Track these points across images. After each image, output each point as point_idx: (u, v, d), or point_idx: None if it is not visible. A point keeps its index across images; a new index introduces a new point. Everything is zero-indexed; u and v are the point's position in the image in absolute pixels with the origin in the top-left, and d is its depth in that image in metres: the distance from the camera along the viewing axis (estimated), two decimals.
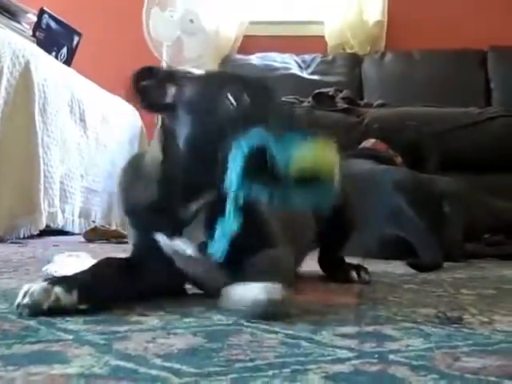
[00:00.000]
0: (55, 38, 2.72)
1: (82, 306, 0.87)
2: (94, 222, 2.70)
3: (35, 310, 0.84)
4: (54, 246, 2.09)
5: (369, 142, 2.58)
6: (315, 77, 3.77)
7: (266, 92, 0.94)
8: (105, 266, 0.98)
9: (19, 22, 2.48)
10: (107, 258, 1.01)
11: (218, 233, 0.87)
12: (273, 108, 0.91)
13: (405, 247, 1.85)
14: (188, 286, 1.10)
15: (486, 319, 0.92)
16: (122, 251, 1.30)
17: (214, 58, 3.93)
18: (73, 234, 2.60)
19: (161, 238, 1.00)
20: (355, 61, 3.87)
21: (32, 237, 2.25)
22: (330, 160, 0.83)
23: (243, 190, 0.84)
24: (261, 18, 4.09)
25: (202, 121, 0.94)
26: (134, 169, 1.05)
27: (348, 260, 1.45)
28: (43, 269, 1.27)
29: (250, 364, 0.65)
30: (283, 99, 3.24)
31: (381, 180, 2.11)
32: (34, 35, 2.55)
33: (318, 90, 3.24)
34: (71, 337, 0.75)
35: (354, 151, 2.50)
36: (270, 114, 0.88)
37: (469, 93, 3.63)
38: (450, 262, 1.84)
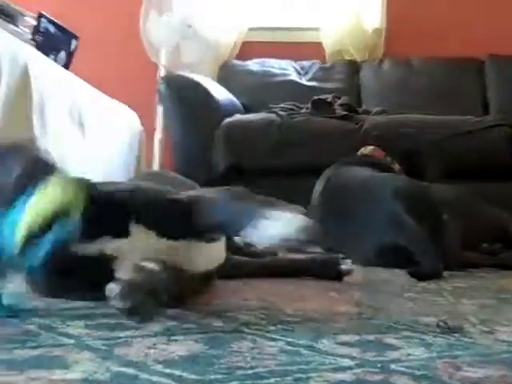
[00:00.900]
0: (54, 42, 2.72)
1: None
2: None
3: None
4: None
5: (366, 149, 2.59)
6: (313, 83, 3.77)
7: None
8: None
9: (17, 26, 2.48)
10: None
11: None
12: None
13: (404, 255, 1.85)
14: None
15: (486, 329, 0.92)
16: None
17: (213, 63, 3.92)
18: None
19: None
20: (353, 68, 3.87)
21: None
22: (60, 201, 0.86)
23: None
24: (259, 24, 4.09)
25: None
26: None
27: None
28: None
29: (251, 372, 0.64)
30: (282, 105, 3.27)
31: (380, 188, 2.11)
32: (32, 39, 2.55)
33: (316, 97, 3.25)
34: (72, 341, 0.75)
35: (352, 158, 2.51)
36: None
37: (466, 101, 3.63)
38: (448, 270, 1.84)
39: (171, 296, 0.90)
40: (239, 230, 0.94)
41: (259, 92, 3.62)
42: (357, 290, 1.34)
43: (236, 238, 1.53)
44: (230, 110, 3.22)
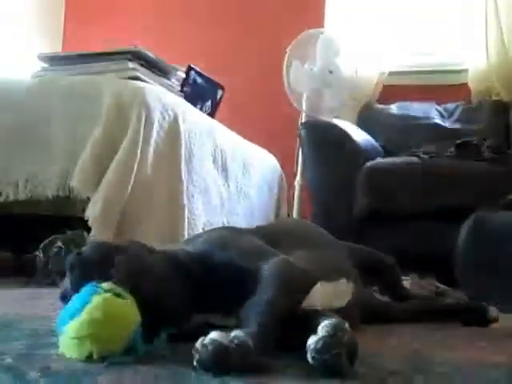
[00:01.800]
0: (201, 92, 2.85)
1: None
2: None
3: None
4: None
5: None
6: (457, 126, 3.64)
7: None
8: None
9: (170, 79, 2.63)
10: None
11: None
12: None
13: None
14: None
15: None
16: None
17: (353, 108, 3.93)
18: None
19: None
20: (501, 107, 3.70)
21: None
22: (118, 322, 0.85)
23: None
24: (400, 68, 4.06)
25: None
26: None
27: None
28: None
29: None
30: (424, 148, 3.18)
31: None
32: (181, 90, 2.69)
33: (461, 140, 3.13)
34: None
35: (503, 202, 2.36)
36: None
37: None
38: None
39: None
40: None
41: (400, 135, 3.56)
42: (507, 339, 1.25)
43: None
44: (371, 153, 3.18)
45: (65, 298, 0.92)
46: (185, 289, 0.99)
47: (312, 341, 0.82)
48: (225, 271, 1.02)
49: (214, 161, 2.53)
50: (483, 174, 2.88)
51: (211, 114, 2.87)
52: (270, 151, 3.33)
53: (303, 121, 3.63)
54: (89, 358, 0.81)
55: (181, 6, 4.51)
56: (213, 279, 1.01)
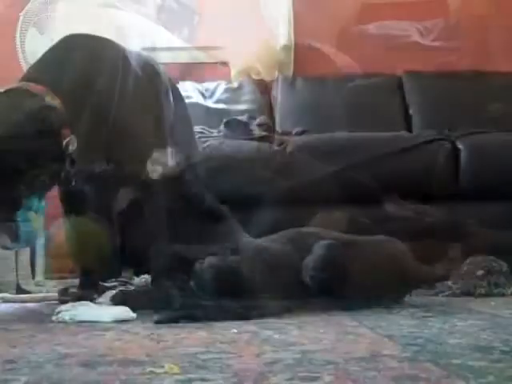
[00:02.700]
0: None
1: None
2: None
3: None
4: None
5: None
6: (221, 105, 3.36)
7: None
8: None
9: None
10: None
11: None
12: None
13: None
14: None
15: None
16: None
17: None
18: None
19: None
20: (263, 87, 3.51)
21: None
22: None
23: None
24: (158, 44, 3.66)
25: None
26: None
27: None
28: None
29: None
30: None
31: None
32: None
33: (229, 117, 2.84)
34: None
35: None
36: None
37: (387, 119, 3.34)
38: None
39: None
40: None
41: None
42: None
43: None
44: None
45: None
46: None
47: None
48: None
49: None
50: (256, 153, 2.62)
51: None
52: None
53: None
54: None
55: None
56: None
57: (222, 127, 2.79)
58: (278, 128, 3.08)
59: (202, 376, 0.79)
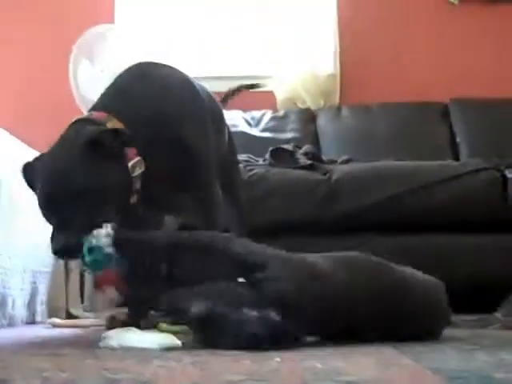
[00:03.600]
0: None
1: None
2: None
3: None
4: None
5: None
6: (266, 134, 3.40)
7: None
8: None
9: None
10: None
11: None
12: None
13: None
14: None
15: None
16: None
17: None
18: None
19: None
20: (309, 116, 3.53)
21: None
22: None
23: None
24: (202, 74, 3.72)
25: None
26: None
27: None
28: None
29: None
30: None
31: None
32: None
33: (275, 146, 2.87)
34: None
35: None
36: None
37: (433, 147, 3.33)
38: None
39: None
40: None
41: None
42: None
43: None
44: None
45: None
46: None
47: None
48: None
49: None
50: (300, 181, 2.63)
51: None
52: None
53: None
54: None
55: None
56: None
57: (267, 156, 2.82)
58: (323, 157, 3.09)
59: None
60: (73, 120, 1.65)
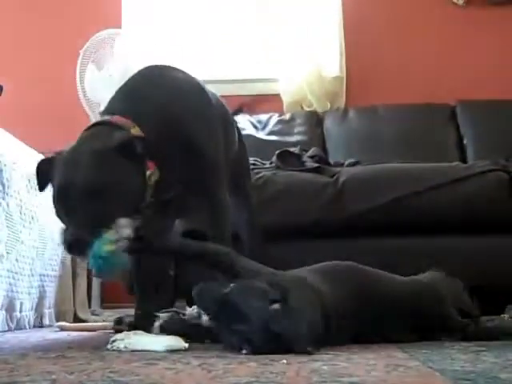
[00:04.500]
0: None
1: None
2: None
3: None
4: None
5: None
6: (273, 137, 3.40)
7: None
8: None
9: None
10: None
11: None
12: None
13: None
14: None
15: None
16: None
17: None
18: None
19: None
20: (315, 119, 3.53)
21: None
22: None
23: None
24: (208, 77, 3.72)
25: None
26: None
27: None
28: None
29: None
30: None
31: None
32: None
33: (281, 149, 2.86)
34: None
35: None
36: None
37: (441, 149, 3.33)
38: None
39: None
40: None
41: None
42: None
43: None
44: None
45: None
46: None
47: None
48: None
49: None
50: (308, 184, 2.62)
51: None
52: None
53: None
54: None
55: None
56: None
57: (274, 159, 2.81)
58: (330, 159, 3.09)
59: None
60: (94, 121, 1.66)
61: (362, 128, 3.45)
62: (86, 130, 1.63)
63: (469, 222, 2.56)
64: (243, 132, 3.22)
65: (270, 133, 3.45)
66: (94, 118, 3.32)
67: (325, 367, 1.09)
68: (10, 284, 2.13)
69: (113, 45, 3.33)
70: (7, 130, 2.21)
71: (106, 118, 1.64)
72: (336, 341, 1.42)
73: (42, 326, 2.41)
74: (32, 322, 2.33)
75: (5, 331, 2.09)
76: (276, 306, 1.29)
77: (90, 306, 2.97)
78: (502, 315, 2.00)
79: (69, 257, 2.73)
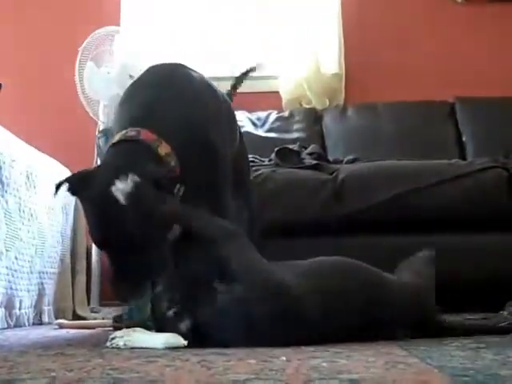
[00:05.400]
0: None
1: None
2: None
3: None
4: None
5: None
6: (272, 134, 3.40)
7: None
8: None
9: None
10: None
11: None
12: None
13: None
14: None
15: None
16: None
17: None
18: None
19: None
20: (314, 116, 3.54)
21: None
22: None
23: None
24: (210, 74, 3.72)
25: None
26: None
27: None
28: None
29: None
30: None
31: None
32: None
33: (280, 146, 2.87)
34: None
35: None
36: None
37: (440, 146, 3.33)
38: None
39: None
40: None
41: None
42: None
43: None
44: None
45: None
46: None
47: None
48: None
49: None
50: (307, 181, 2.63)
51: None
52: (65, 166, 2.79)
53: (101, 128, 3.14)
54: None
55: None
56: None
57: (273, 156, 2.82)
58: (329, 156, 3.09)
59: None
60: (118, 138, 1.57)
61: (360, 125, 3.45)
62: (113, 146, 1.57)
63: (468, 218, 2.57)
64: (242, 129, 3.23)
65: (269, 130, 3.45)
66: (93, 115, 3.33)
67: (324, 364, 1.09)
68: (9, 281, 2.13)
69: (112, 42, 3.32)
70: (5, 127, 2.21)
71: (133, 133, 1.56)
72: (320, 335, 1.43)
73: (41, 324, 2.41)
74: (31, 320, 2.33)
75: (4, 328, 2.09)
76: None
77: (89, 304, 2.97)
78: (501, 312, 2.00)
79: (68, 254, 2.73)
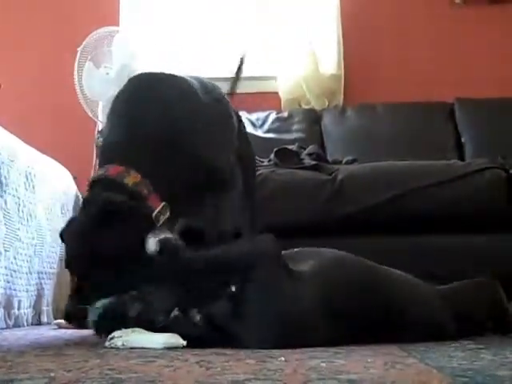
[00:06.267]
0: None
1: None
2: None
3: None
4: None
5: None
6: (271, 135, 3.41)
7: None
8: None
9: None
10: None
11: None
12: None
13: None
14: None
15: None
16: None
17: None
18: None
19: None
20: (313, 116, 3.54)
21: None
22: None
23: None
24: (209, 75, 3.72)
25: None
26: None
27: None
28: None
29: None
30: None
31: None
32: None
33: (279, 147, 2.87)
34: None
35: None
36: None
37: (438, 147, 3.33)
38: None
39: None
40: None
41: None
42: None
43: None
44: None
45: None
46: None
47: None
48: None
49: None
50: (306, 182, 2.62)
51: None
52: (65, 166, 2.79)
53: (100, 128, 3.14)
54: None
55: None
56: None
57: (272, 156, 2.82)
58: (328, 157, 3.09)
59: None
60: (92, 179, 1.64)
61: (360, 125, 3.45)
62: (89, 186, 1.63)
63: (467, 219, 2.57)
64: None
65: (268, 130, 3.45)
66: (93, 115, 3.33)
67: (323, 364, 1.09)
68: (8, 282, 2.13)
69: (110, 43, 3.32)
70: (5, 127, 2.20)
71: (101, 171, 1.61)
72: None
73: (40, 324, 2.41)
74: (30, 320, 2.33)
75: (3, 329, 2.08)
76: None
77: None
78: None
79: None
